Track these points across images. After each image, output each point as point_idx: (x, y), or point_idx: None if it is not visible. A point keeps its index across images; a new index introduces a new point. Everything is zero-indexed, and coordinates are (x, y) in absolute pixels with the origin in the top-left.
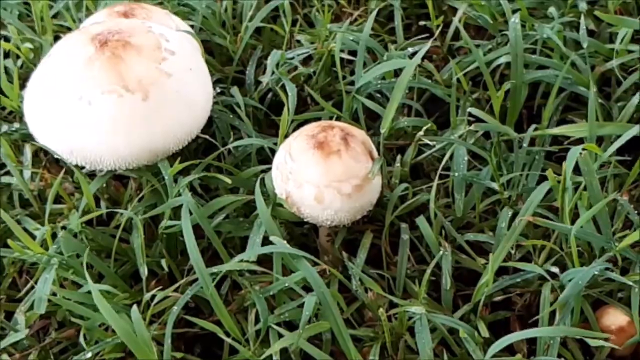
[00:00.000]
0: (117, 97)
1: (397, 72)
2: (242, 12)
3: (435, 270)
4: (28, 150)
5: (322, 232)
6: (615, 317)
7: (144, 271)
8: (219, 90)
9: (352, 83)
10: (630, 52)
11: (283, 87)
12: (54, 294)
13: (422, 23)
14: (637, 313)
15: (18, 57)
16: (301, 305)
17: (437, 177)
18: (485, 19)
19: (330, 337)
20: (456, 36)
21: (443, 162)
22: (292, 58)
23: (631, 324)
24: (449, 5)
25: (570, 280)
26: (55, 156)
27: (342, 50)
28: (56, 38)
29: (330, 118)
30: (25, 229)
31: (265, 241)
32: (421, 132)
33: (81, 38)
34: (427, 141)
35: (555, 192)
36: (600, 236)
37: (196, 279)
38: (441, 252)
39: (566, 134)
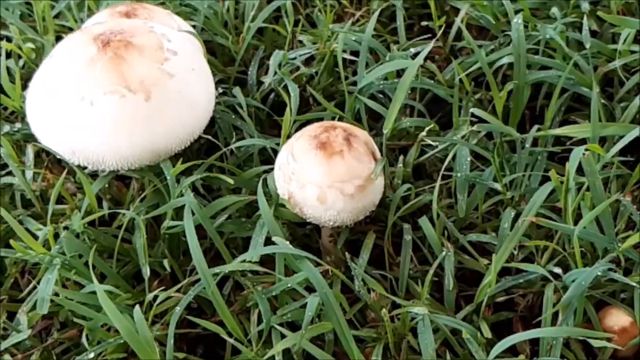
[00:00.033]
0: (120, 97)
1: (399, 73)
2: (244, 12)
3: (438, 270)
4: (30, 150)
5: (324, 233)
6: (618, 318)
7: (146, 271)
8: (221, 90)
9: (354, 83)
10: (633, 52)
11: (285, 88)
12: (57, 295)
13: (424, 23)
14: None
15: (20, 57)
16: (304, 306)
17: (439, 178)
18: (487, 20)
19: (333, 337)
20: (458, 36)
21: (446, 163)
22: (295, 58)
23: (634, 324)
24: (451, 5)
25: (573, 281)
26: (58, 156)
27: (344, 51)
28: (58, 38)
29: (333, 118)
30: (27, 230)
31: (268, 242)
32: (424, 133)
33: (83, 38)
34: (429, 142)
35: (558, 193)
36: (603, 237)
37: (198, 280)
38: (444, 253)
39: (569, 135)
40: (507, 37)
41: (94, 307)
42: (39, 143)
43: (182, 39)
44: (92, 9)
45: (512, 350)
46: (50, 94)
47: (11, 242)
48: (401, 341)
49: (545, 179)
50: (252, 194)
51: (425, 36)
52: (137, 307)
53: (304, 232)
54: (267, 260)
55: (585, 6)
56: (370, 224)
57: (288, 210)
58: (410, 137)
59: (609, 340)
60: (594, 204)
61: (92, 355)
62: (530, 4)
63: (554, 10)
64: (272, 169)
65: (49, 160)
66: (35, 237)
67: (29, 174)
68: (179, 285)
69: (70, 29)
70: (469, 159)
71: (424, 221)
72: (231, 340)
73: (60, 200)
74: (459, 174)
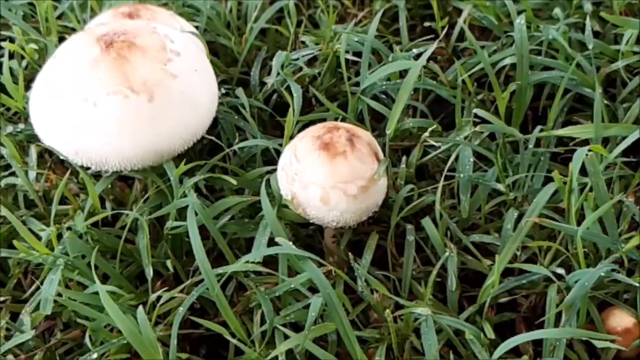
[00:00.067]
0: (123, 98)
1: (402, 74)
2: (246, 13)
3: (441, 271)
4: (33, 151)
5: (327, 234)
6: (621, 319)
7: (149, 272)
8: (224, 91)
9: (357, 84)
10: (635, 53)
11: (288, 88)
12: (60, 295)
13: (427, 24)
14: None
15: (23, 58)
16: (307, 307)
17: (442, 179)
18: (490, 20)
19: (336, 338)
20: (461, 37)
21: (449, 164)
22: (297, 59)
23: (637, 325)
24: (454, 6)
25: (576, 282)
26: (61, 157)
27: (347, 52)
28: (61, 39)
29: (336, 119)
30: (30, 230)
31: (271, 242)
32: (426, 134)
33: (86, 39)
34: (432, 142)
35: (561, 194)
36: (606, 237)
37: (202, 280)
38: (447, 254)
39: (572, 135)
40: (509, 37)
41: (97, 308)
42: (42, 143)
43: (185, 39)
44: (95, 10)
45: (515, 351)
46: (53, 94)
47: (14, 242)
48: (404, 342)
49: (548, 180)
50: (255, 195)
51: (428, 37)
52: (140, 307)
53: (307, 233)
54: (270, 261)
55: (588, 7)
56: (373, 224)
57: (291, 210)
58: (413, 137)
59: (612, 341)
60: (597, 204)
61: (95, 355)
62: (533, 5)
63: (557, 11)
64: (275, 170)
65: (52, 161)
66: (39, 238)
67: (32, 174)
68: (182, 286)
69: (73, 30)
70: (471, 159)
71: (426, 222)
72: (234, 341)
73: (63, 200)
74: (461, 175)
